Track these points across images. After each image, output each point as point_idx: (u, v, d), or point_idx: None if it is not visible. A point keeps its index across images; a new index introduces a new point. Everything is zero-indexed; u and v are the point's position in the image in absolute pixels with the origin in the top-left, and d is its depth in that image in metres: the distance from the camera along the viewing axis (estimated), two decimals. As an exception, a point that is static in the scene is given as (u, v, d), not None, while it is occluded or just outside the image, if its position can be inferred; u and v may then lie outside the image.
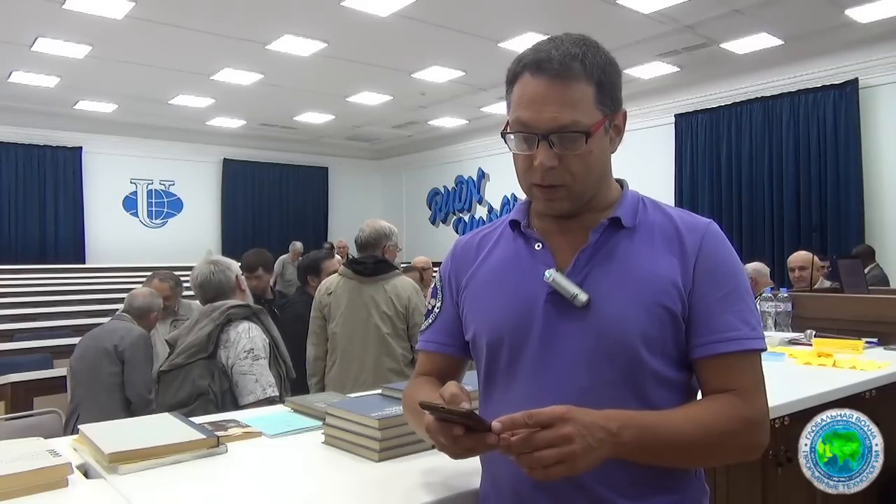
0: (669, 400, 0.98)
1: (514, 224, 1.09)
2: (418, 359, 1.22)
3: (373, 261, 3.09)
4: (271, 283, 4.43)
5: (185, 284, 3.48)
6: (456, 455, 0.90)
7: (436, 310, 1.17)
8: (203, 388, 2.13)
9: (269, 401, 2.14)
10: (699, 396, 1.03)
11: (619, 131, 1.03)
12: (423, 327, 1.20)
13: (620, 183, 1.09)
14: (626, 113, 1.03)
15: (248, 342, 2.24)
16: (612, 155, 1.05)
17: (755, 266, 4.56)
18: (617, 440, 0.86)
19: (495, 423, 0.83)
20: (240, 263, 2.81)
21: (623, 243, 1.01)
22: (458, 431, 0.86)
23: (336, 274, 3.23)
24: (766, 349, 1.01)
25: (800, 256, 4.70)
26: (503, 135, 1.01)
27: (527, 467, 0.83)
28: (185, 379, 2.16)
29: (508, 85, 1.02)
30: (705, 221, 1.03)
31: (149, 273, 3.93)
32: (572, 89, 0.95)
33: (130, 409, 3.08)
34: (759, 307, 3.22)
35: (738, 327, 0.97)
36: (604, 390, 0.96)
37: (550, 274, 1.00)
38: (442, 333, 1.16)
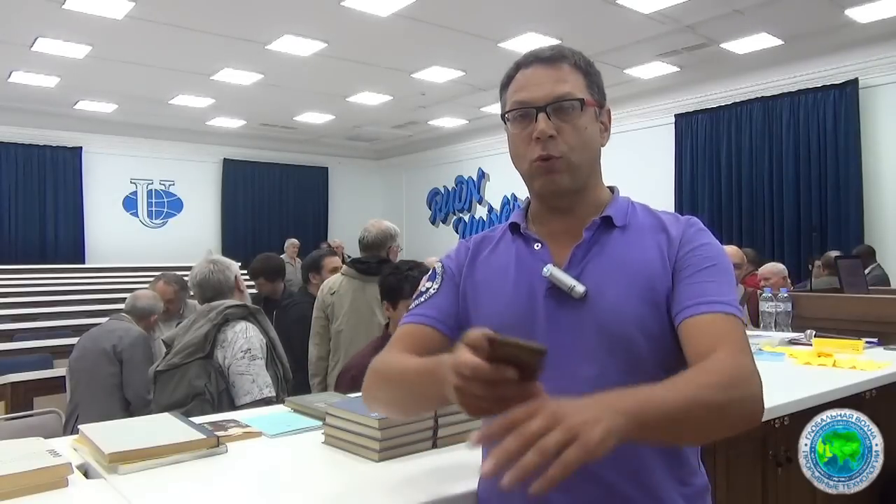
0: None
1: (514, 227, 1.13)
2: (398, 334, 1.12)
3: (376, 260, 3.10)
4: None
5: (189, 286, 3.49)
6: (479, 409, 0.78)
7: (430, 290, 1.13)
8: (199, 389, 2.12)
9: (266, 401, 2.13)
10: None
11: (606, 127, 1.10)
12: (412, 306, 1.14)
13: (611, 189, 1.15)
14: (610, 111, 1.10)
15: (245, 342, 2.23)
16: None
17: (777, 267, 4.64)
18: (616, 407, 0.75)
19: (485, 467, 0.70)
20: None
21: (615, 240, 1.06)
22: (513, 374, 0.75)
23: (339, 273, 3.24)
24: (746, 323, 1.03)
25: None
26: (503, 117, 1.08)
27: (536, 467, 0.69)
28: (182, 379, 2.15)
29: (503, 88, 1.10)
30: (688, 216, 1.10)
31: (148, 273, 3.94)
32: (565, 70, 1.05)
33: (129, 409, 3.08)
34: (760, 307, 3.23)
35: (722, 293, 0.98)
36: (609, 378, 0.97)
37: (548, 269, 1.04)
38: (432, 309, 1.11)
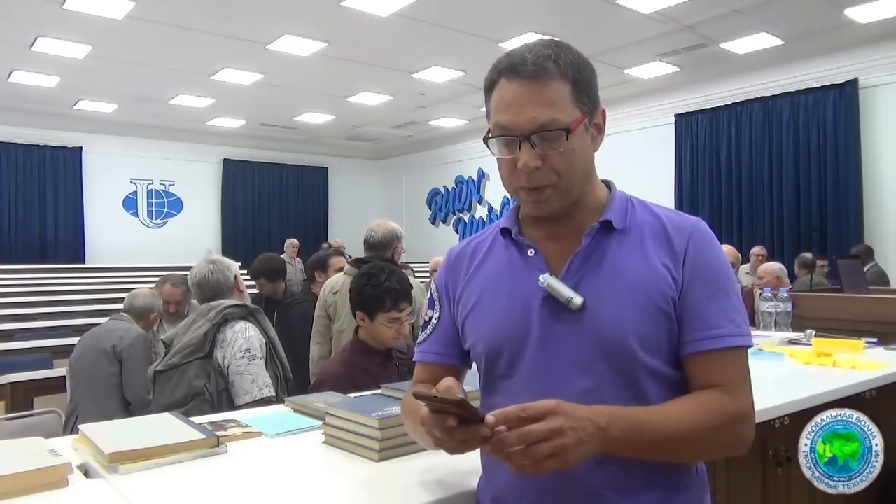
0: (667, 397, 0.99)
1: (506, 232, 1.09)
2: (415, 370, 1.19)
3: (380, 261, 3.10)
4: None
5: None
6: (451, 448, 0.89)
7: (433, 321, 1.16)
8: (199, 389, 2.12)
9: (266, 401, 2.13)
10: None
11: (600, 130, 1.04)
12: (420, 339, 1.18)
13: (607, 184, 1.10)
14: (605, 111, 1.04)
15: (245, 342, 2.23)
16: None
17: (773, 267, 4.70)
18: (606, 434, 0.88)
19: (489, 416, 0.84)
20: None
21: (614, 246, 1.02)
22: (452, 423, 0.86)
23: (341, 273, 3.24)
24: (751, 345, 1.03)
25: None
26: (485, 140, 1.01)
27: (518, 464, 0.84)
28: (181, 379, 2.15)
29: (487, 93, 1.03)
30: (693, 221, 1.04)
31: (148, 273, 3.95)
32: (548, 89, 0.96)
33: (129, 409, 3.08)
34: (760, 307, 3.23)
35: (724, 325, 0.98)
36: (604, 391, 0.97)
37: (545, 279, 1.00)
38: (440, 344, 1.15)
